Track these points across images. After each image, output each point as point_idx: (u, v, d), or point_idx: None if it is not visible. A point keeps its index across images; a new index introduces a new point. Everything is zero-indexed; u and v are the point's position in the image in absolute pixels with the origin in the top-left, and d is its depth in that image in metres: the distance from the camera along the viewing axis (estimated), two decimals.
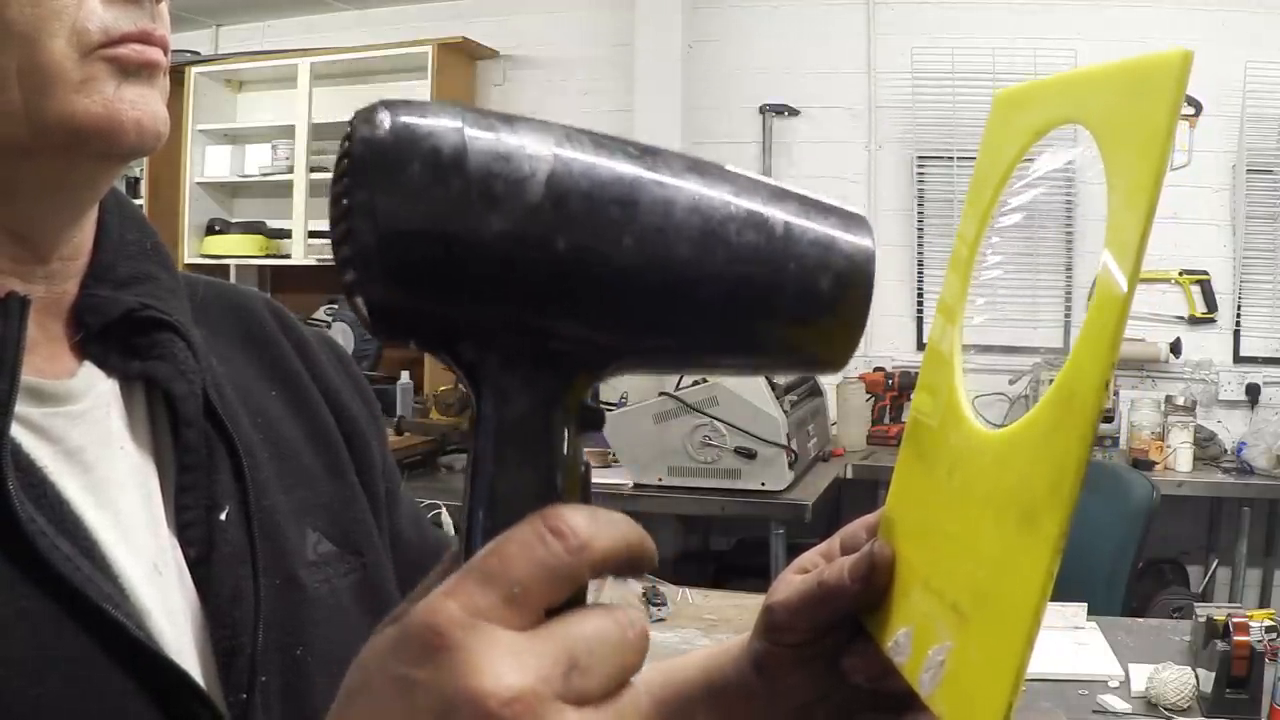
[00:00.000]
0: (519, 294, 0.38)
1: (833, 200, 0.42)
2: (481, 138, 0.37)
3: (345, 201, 0.37)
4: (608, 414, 3.23)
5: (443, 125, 0.37)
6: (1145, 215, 0.38)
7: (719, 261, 0.39)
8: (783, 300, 0.40)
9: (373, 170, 0.37)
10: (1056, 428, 0.40)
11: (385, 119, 0.37)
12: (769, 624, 0.56)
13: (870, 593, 0.51)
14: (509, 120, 0.38)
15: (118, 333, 0.55)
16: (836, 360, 0.42)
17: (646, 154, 0.39)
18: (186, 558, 0.53)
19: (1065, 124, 0.46)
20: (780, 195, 0.41)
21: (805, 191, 0.42)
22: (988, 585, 0.43)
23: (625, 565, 0.37)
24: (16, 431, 0.47)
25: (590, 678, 0.35)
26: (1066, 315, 4.31)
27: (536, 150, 0.37)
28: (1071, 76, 0.46)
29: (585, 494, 0.40)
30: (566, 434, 0.40)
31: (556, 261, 0.37)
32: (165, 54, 0.52)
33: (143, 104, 0.50)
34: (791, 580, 0.55)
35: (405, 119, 0.37)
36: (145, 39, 0.50)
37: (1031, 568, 0.40)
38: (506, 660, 0.33)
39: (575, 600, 0.36)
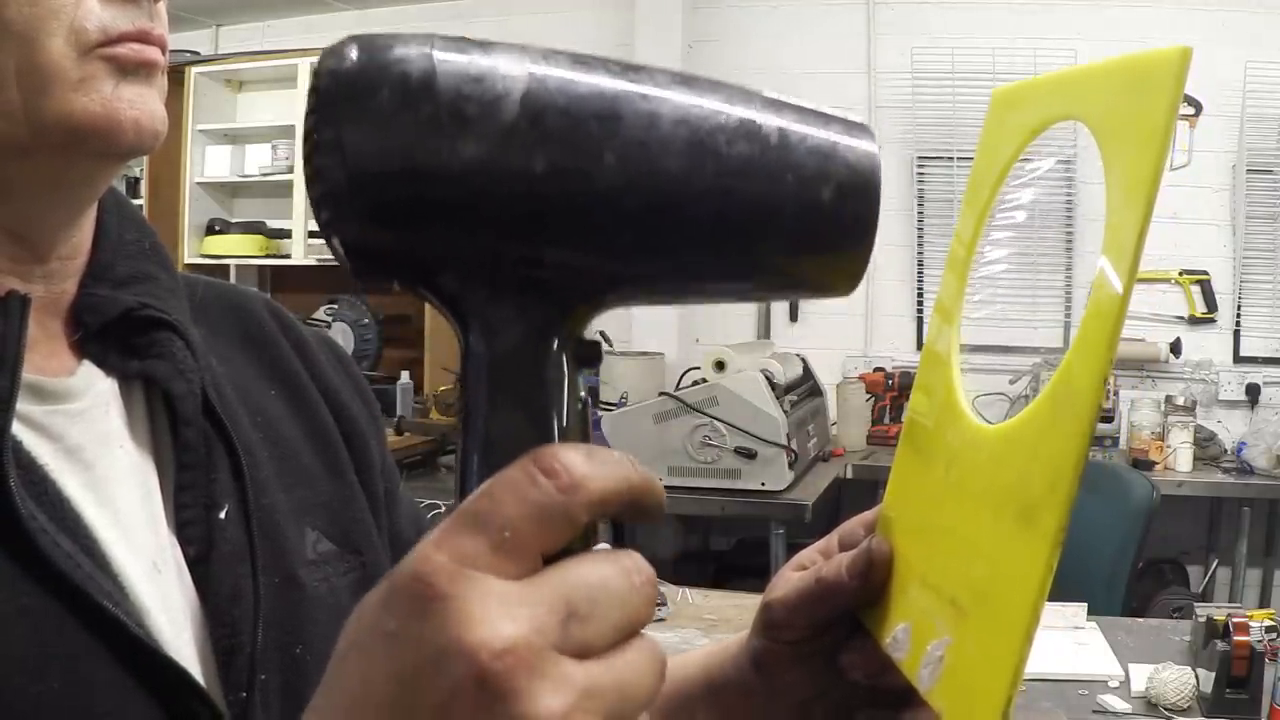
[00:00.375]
0: (499, 221, 0.36)
1: (833, 110, 0.40)
2: (451, 60, 0.35)
3: (314, 138, 0.35)
4: (607, 414, 3.24)
5: (410, 52, 0.36)
6: (1143, 212, 0.38)
7: (708, 175, 0.36)
8: (781, 214, 0.38)
9: (339, 102, 0.35)
10: (1054, 424, 0.40)
11: (352, 51, 0.36)
12: (767, 621, 0.56)
13: (868, 589, 0.51)
14: (484, 44, 0.36)
15: (117, 332, 0.55)
16: (843, 282, 0.40)
17: (630, 69, 0.37)
18: (186, 556, 0.53)
19: (1063, 121, 0.46)
20: (776, 104, 0.39)
21: (803, 102, 0.39)
22: (986, 581, 0.43)
23: (627, 508, 0.35)
24: (17, 429, 0.47)
25: (591, 627, 0.32)
26: (1066, 315, 4.31)
27: (510, 70, 0.35)
28: (1069, 74, 0.46)
29: (585, 432, 0.38)
30: (562, 368, 0.38)
31: (535, 184, 0.35)
32: (163, 53, 0.52)
33: (141, 103, 0.50)
34: (790, 578, 0.55)
35: (372, 50, 0.36)
36: (143, 38, 0.50)
37: (1030, 563, 0.40)
38: (498, 609, 0.31)
39: (576, 548, 0.34)
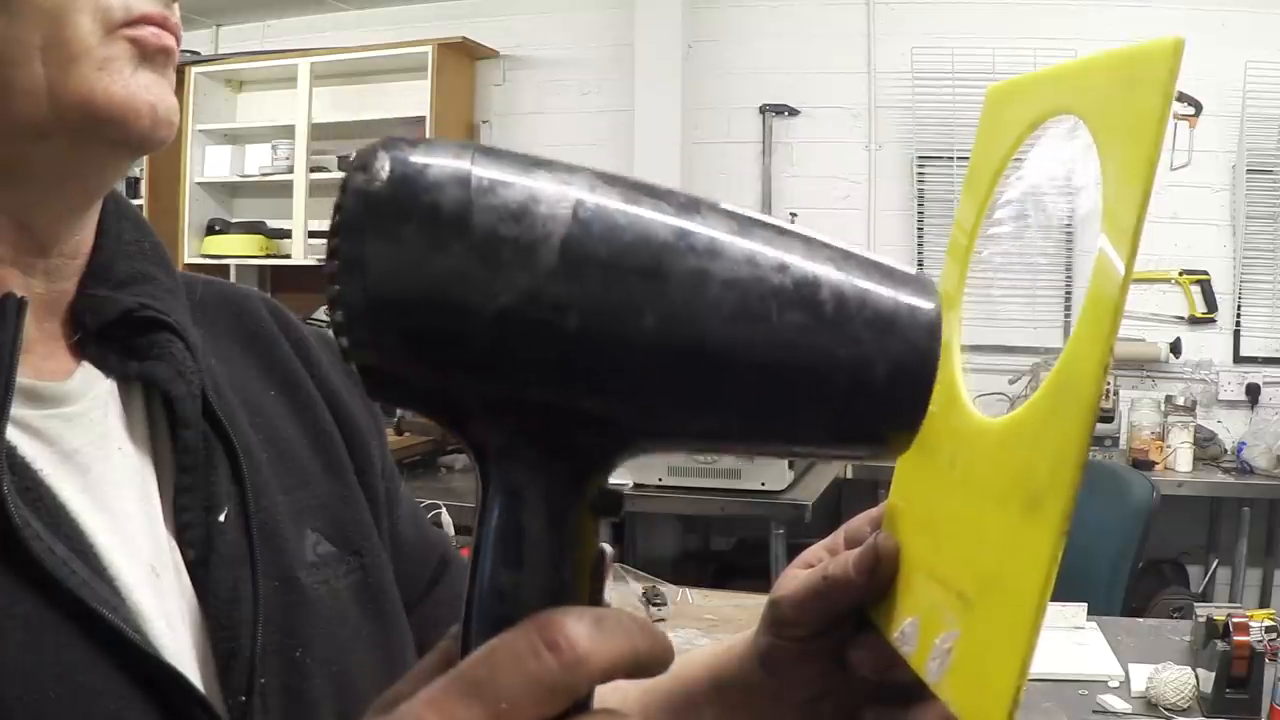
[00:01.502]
0: (524, 373, 0.34)
1: (898, 265, 0.38)
2: (490, 191, 0.33)
3: (337, 258, 0.34)
4: None
5: (446, 176, 0.33)
6: (1140, 200, 0.37)
7: (756, 345, 0.34)
8: (830, 389, 0.35)
9: (365, 227, 0.33)
10: (1056, 411, 0.40)
11: (383, 169, 0.33)
12: (775, 619, 0.56)
13: (875, 585, 0.51)
14: (527, 167, 0.34)
15: (116, 333, 0.54)
16: (891, 451, 0.38)
17: (686, 210, 0.35)
18: (185, 559, 0.53)
19: (1058, 115, 0.46)
20: (838, 260, 0.36)
21: (869, 254, 0.37)
22: (993, 572, 0.43)
23: (631, 673, 0.34)
24: (12, 434, 0.47)
25: None
26: (1066, 315, 4.31)
27: (553, 208, 0.33)
28: (1063, 68, 0.46)
29: (597, 587, 0.37)
30: (578, 524, 0.36)
31: (567, 340, 0.33)
32: (178, 44, 0.52)
33: (157, 90, 0.50)
34: (796, 575, 0.55)
35: (405, 168, 0.33)
36: (164, 23, 0.51)
37: (1036, 553, 0.40)
38: None
39: (575, 709, 0.33)
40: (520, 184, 0.34)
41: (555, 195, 0.33)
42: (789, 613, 0.54)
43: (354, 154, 0.35)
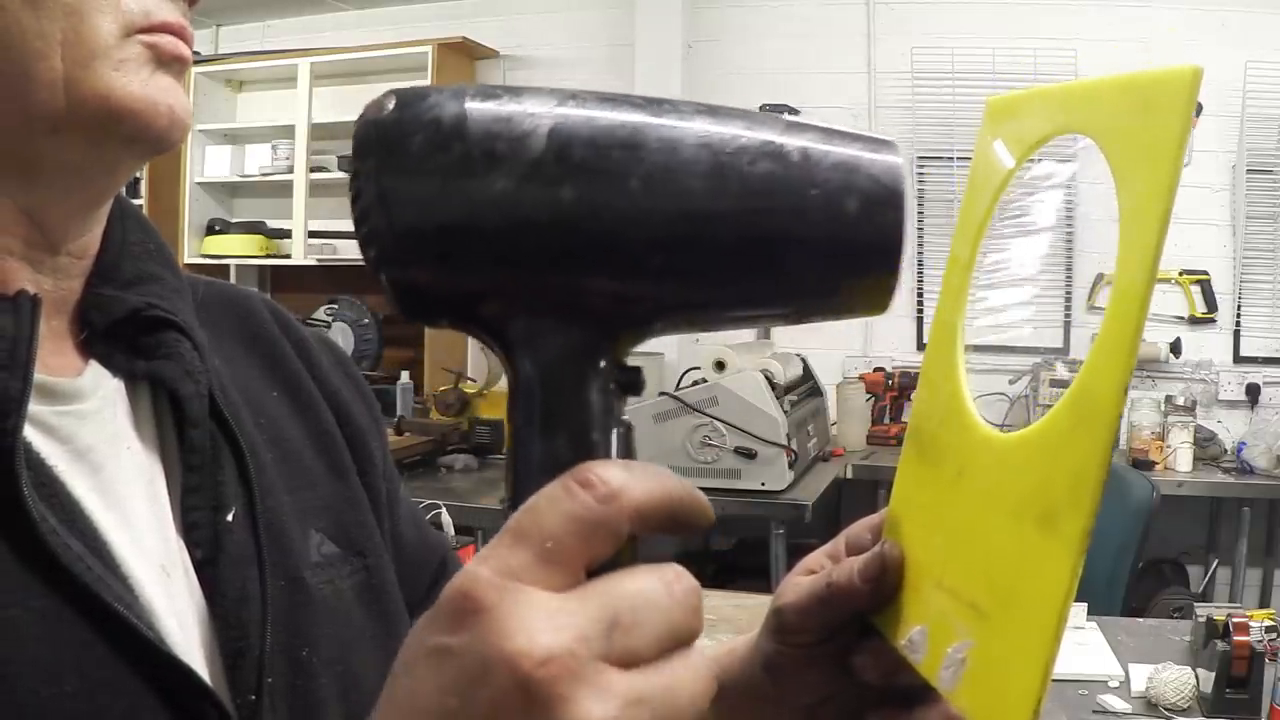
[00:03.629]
0: (534, 252, 0.37)
1: (855, 129, 0.40)
2: (482, 104, 0.37)
3: (356, 183, 0.38)
4: None
5: (444, 99, 0.38)
6: (1159, 224, 0.38)
7: (733, 195, 0.37)
8: (807, 229, 0.38)
9: (377, 148, 0.37)
10: (1075, 431, 0.41)
11: (390, 101, 0.38)
12: (778, 626, 0.56)
13: (880, 593, 0.51)
14: (516, 90, 0.38)
15: (124, 332, 0.55)
16: (877, 297, 0.40)
17: (654, 102, 0.39)
18: (193, 559, 0.53)
19: (1069, 134, 0.46)
20: (798, 126, 0.39)
21: (825, 123, 0.40)
22: (1008, 585, 0.43)
23: (669, 519, 0.36)
24: (27, 430, 0.47)
25: (635, 637, 0.33)
26: (1066, 315, 4.31)
27: (537, 109, 0.37)
28: (1071, 88, 0.46)
29: (629, 455, 0.39)
30: (605, 393, 0.39)
31: (565, 213, 0.37)
32: (191, 51, 0.53)
33: (174, 93, 0.51)
34: (799, 582, 0.55)
35: (408, 98, 0.38)
36: (181, 32, 0.51)
37: (1055, 568, 0.40)
38: (541, 620, 0.32)
39: (621, 561, 0.35)
40: (509, 97, 0.38)
41: (540, 100, 0.38)
42: (792, 619, 0.54)
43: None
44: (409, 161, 0.37)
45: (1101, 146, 0.42)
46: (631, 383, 0.41)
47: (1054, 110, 0.48)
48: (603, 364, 0.39)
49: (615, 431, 0.39)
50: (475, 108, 0.37)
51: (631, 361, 0.41)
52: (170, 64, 0.51)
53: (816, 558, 0.57)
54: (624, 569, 0.35)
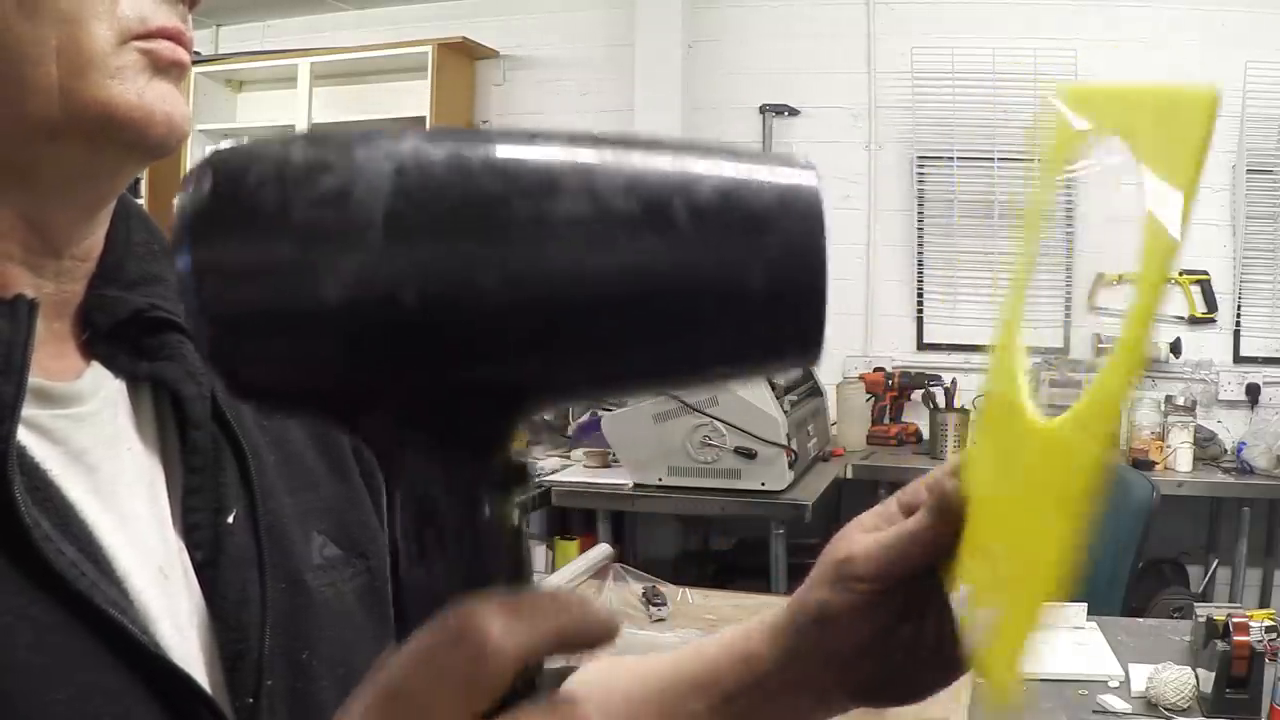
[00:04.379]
0: (381, 357, 0.32)
1: (769, 154, 0.35)
2: (306, 181, 0.32)
3: (177, 272, 0.33)
4: (607, 414, 3.23)
5: (265, 174, 0.32)
6: (1167, 255, 0.40)
7: (612, 282, 0.31)
8: (706, 309, 0.32)
9: (192, 241, 0.32)
10: (1082, 427, 0.43)
11: (206, 179, 0.33)
12: (845, 574, 0.57)
13: (942, 543, 0.54)
14: (349, 144, 0.32)
15: (126, 333, 0.54)
16: (796, 360, 0.35)
17: (521, 145, 0.32)
18: (193, 560, 0.53)
19: (1112, 135, 0.48)
20: (693, 162, 0.33)
21: (732, 146, 0.34)
22: (1022, 564, 0.46)
23: (563, 648, 0.34)
24: (22, 434, 0.47)
25: None
26: (1066, 315, 4.31)
27: (372, 184, 0.31)
28: (1127, 89, 0.48)
29: (517, 563, 0.35)
30: (489, 504, 0.34)
31: (412, 316, 0.31)
32: (190, 55, 0.52)
33: (172, 100, 0.51)
34: (862, 537, 0.57)
35: (225, 176, 0.33)
36: (178, 37, 0.51)
37: (1051, 553, 0.43)
38: None
39: (519, 690, 0.32)
40: (338, 165, 0.32)
41: (374, 171, 0.31)
42: (864, 567, 0.56)
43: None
44: (228, 263, 0.32)
45: (1134, 152, 0.44)
46: (518, 477, 0.35)
47: (1109, 106, 0.50)
48: (485, 466, 0.34)
49: (502, 543, 0.35)
50: (297, 187, 0.31)
51: (517, 457, 0.36)
52: (168, 70, 0.50)
53: (871, 517, 0.59)
54: (519, 709, 0.33)
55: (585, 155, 0.32)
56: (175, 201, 0.33)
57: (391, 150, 0.32)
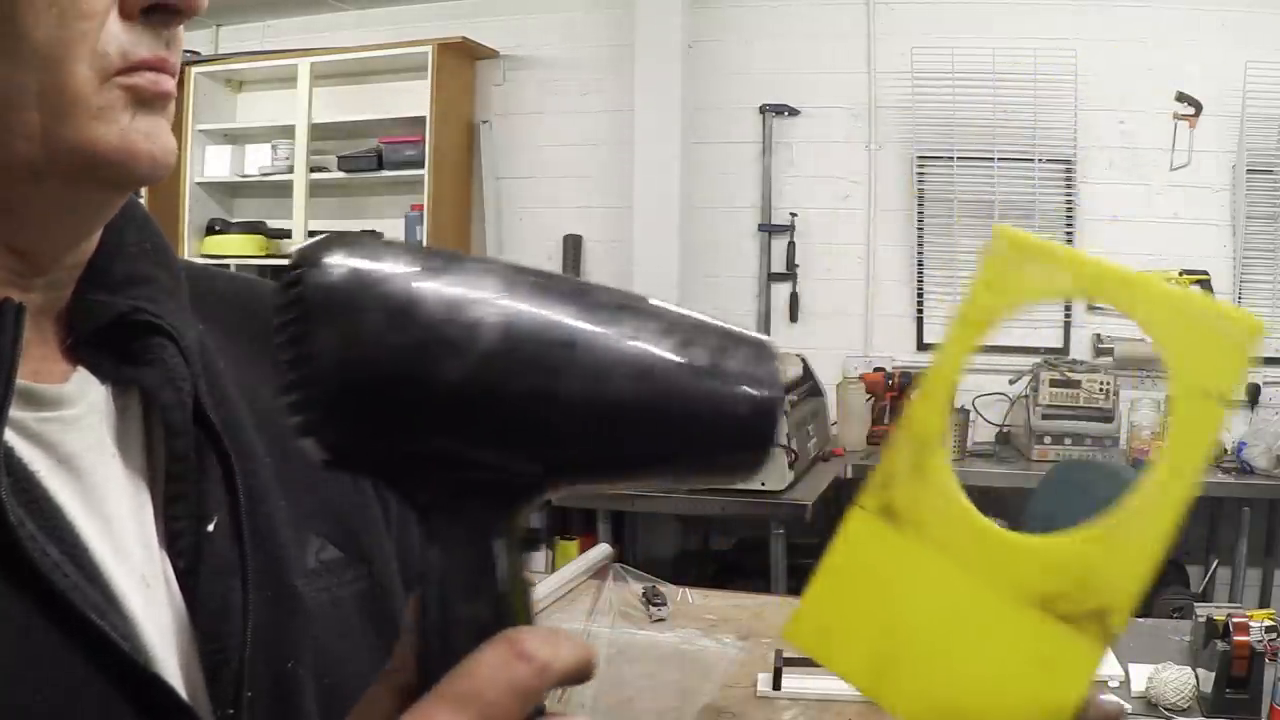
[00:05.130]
0: (474, 432, 0.40)
1: (747, 331, 0.45)
2: (433, 281, 0.39)
3: (299, 347, 0.38)
4: None
5: (395, 269, 0.39)
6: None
7: (652, 395, 0.41)
8: (708, 426, 0.43)
9: (325, 318, 0.38)
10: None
11: (336, 262, 0.39)
12: None
13: None
14: (451, 260, 0.40)
15: (110, 337, 0.54)
16: (748, 473, 0.45)
17: (582, 293, 0.42)
18: (175, 570, 0.52)
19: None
20: (703, 329, 0.43)
21: (720, 323, 0.45)
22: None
23: (577, 678, 0.41)
24: (8, 436, 0.47)
25: None
26: (1067, 315, 4.31)
27: (484, 295, 0.39)
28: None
29: (530, 611, 0.43)
30: (515, 557, 0.42)
31: (509, 403, 0.39)
32: (175, 80, 0.51)
33: (156, 135, 0.50)
34: None
35: (357, 263, 0.38)
36: (161, 67, 0.50)
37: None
38: None
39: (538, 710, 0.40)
40: (456, 273, 0.39)
41: (486, 282, 0.40)
42: None
43: (297, 250, 0.40)
44: (362, 337, 0.38)
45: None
46: (531, 541, 0.45)
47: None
48: (516, 527, 0.43)
49: (525, 591, 0.43)
50: (427, 288, 0.39)
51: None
52: (151, 103, 0.49)
53: None
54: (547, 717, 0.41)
55: (622, 305, 0.42)
56: (297, 274, 0.38)
57: (490, 268, 0.40)
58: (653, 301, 0.43)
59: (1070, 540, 0.48)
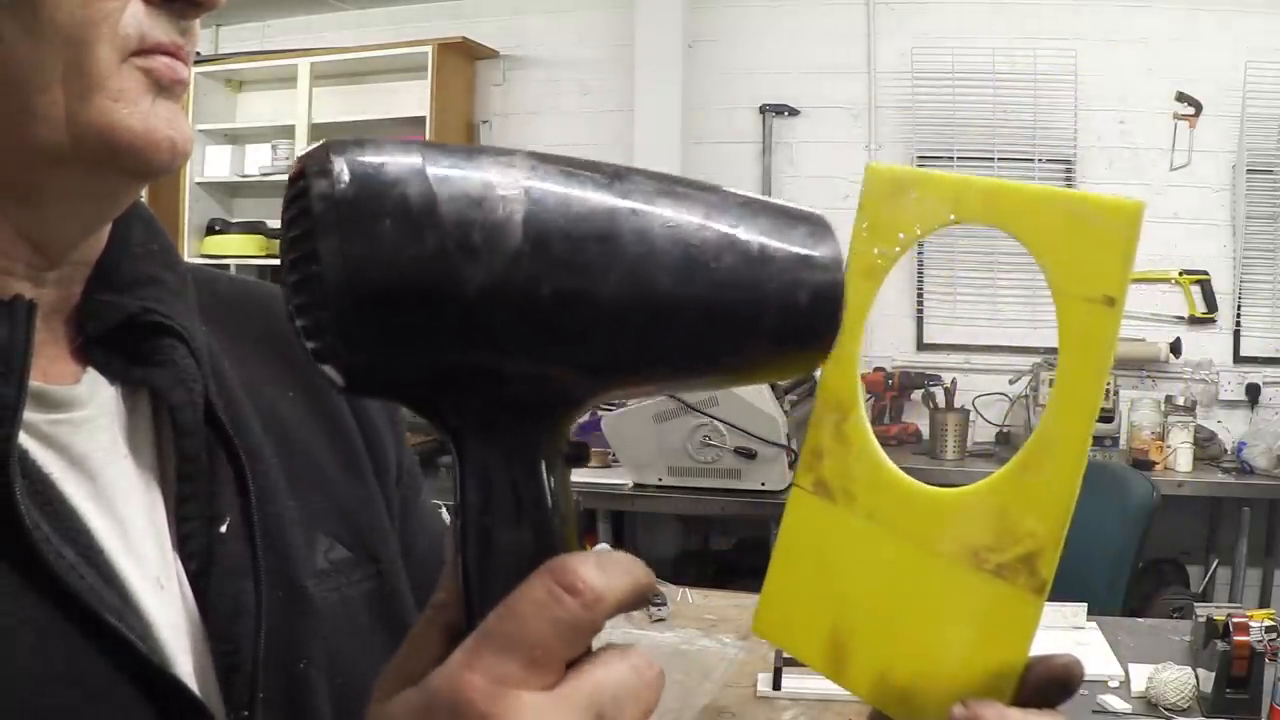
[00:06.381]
0: (504, 342, 0.36)
1: (799, 207, 0.42)
2: (448, 180, 0.35)
3: (309, 266, 0.35)
4: (607, 414, 3.23)
5: (404, 171, 0.35)
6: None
7: (701, 288, 0.38)
8: (766, 319, 0.39)
9: (339, 229, 0.34)
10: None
11: (343, 168, 0.35)
12: None
13: None
14: (470, 154, 0.36)
15: (120, 338, 0.54)
16: (813, 365, 0.43)
17: (616, 179, 0.38)
18: (187, 571, 0.52)
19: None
20: (751, 209, 0.40)
21: (772, 200, 0.42)
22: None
23: (635, 604, 0.38)
24: (22, 438, 0.47)
25: None
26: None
27: (508, 190, 0.35)
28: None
29: (579, 532, 0.39)
30: (558, 474, 0.39)
31: (542, 307, 0.36)
32: (189, 69, 0.52)
33: (176, 123, 0.50)
34: None
35: (363, 168, 0.35)
36: (178, 53, 0.50)
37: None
38: None
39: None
40: (471, 168, 0.36)
41: (506, 178, 0.36)
42: None
43: (299, 159, 0.36)
44: (377, 248, 0.34)
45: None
46: (580, 455, 0.41)
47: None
48: (558, 442, 0.39)
49: (571, 512, 0.40)
50: (441, 184, 0.35)
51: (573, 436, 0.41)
52: (170, 89, 0.50)
53: None
54: (598, 657, 0.37)
55: (667, 187, 0.39)
56: (301, 186, 0.35)
57: (511, 161, 0.36)
58: (693, 181, 0.40)
59: (985, 488, 0.46)
